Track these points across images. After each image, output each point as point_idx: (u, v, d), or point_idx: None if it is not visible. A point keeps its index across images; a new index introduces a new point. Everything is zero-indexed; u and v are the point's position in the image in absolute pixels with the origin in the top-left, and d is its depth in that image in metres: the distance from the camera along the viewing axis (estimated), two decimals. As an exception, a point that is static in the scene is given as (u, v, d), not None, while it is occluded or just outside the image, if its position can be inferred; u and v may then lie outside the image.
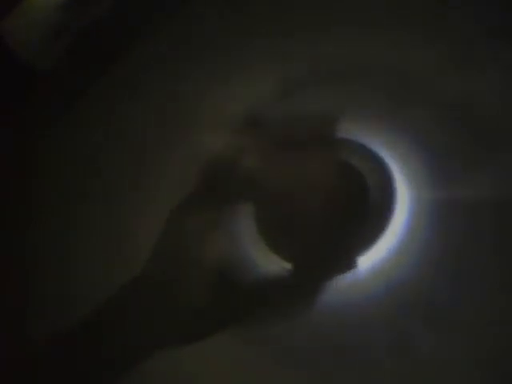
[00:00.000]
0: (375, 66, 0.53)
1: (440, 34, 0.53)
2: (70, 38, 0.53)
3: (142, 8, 0.55)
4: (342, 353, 0.52)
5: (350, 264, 0.51)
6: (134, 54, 0.54)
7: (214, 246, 0.50)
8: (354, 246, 0.52)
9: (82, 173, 0.54)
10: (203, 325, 0.51)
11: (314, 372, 0.52)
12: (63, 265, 0.53)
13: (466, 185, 0.52)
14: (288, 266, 0.52)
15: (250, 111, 0.53)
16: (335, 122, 0.52)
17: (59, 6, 0.51)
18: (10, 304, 0.52)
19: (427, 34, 0.53)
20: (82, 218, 0.54)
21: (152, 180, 0.54)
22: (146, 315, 0.50)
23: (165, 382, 0.52)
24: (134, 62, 0.55)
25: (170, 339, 0.50)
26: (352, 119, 0.53)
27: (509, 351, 0.50)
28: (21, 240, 0.54)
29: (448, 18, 0.53)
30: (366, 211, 0.52)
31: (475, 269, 0.52)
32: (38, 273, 0.53)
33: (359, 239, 0.52)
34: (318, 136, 0.52)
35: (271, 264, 0.52)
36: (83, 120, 0.55)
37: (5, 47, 0.51)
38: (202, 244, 0.50)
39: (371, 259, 0.52)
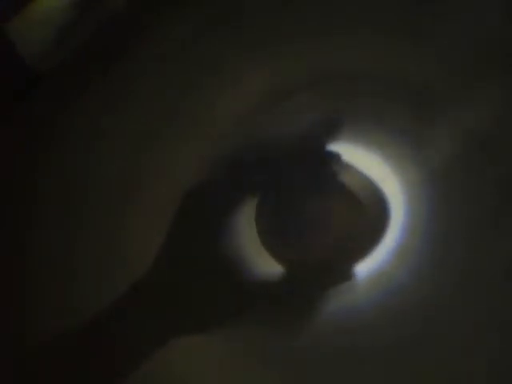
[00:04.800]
0: (375, 72, 0.53)
1: (440, 43, 0.53)
2: (73, 40, 0.53)
3: (142, 8, 0.55)
4: (342, 354, 0.52)
5: (347, 274, 0.51)
6: (133, 54, 0.54)
7: (214, 247, 0.51)
8: (352, 253, 0.52)
9: (82, 173, 0.54)
10: (202, 325, 0.51)
11: (311, 372, 0.52)
12: (63, 265, 0.53)
13: (464, 187, 0.52)
14: (288, 271, 0.52)
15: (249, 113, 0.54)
16: (333, 132, 0.52)
17: (64, 9, 0.52)
18: (10, 304, 0.53)
19: (427, 43, 0.53)
20: (82, 218, 0.54)
21: (152, 180, 0.54)
22: (145, 315, 0.50)
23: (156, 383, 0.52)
24: (133, 63, 0.55)
25: (168, 339, 0.50)
26: (350, 125, 0.53)
27: (509, 351, 0.50)
28: (21, 240, 0.54)
29: (448, 29, 0.53)
30: (362, 223, 0.53)
31: (475, 269, 0.52)
32: (38, 273, 0.53)
33: (356, 247, 0.52)
34: (315, 148, 0.52)
35: (270, 269, 0.52)
36: (83, 120, 0.55)
37: (8, 48, 0.51)
38: (202, 245, 0.51)
39: (371, 262, 0.52)
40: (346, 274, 0.51)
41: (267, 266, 0.52)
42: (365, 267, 0.52)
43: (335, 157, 0.53)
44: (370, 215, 0.52)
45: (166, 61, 0.54)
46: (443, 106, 0.53)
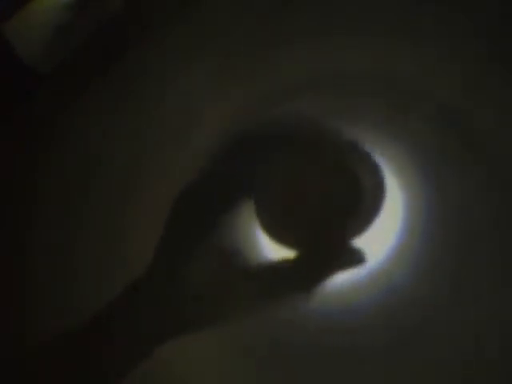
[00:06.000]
0: (375, 72, 0.53)
1: (440, 43, 0.53)
2: (73, 40, 0.53)
3: (142, 9, 0.55)
4: (341, 354, 0.52)
5: (356, 256, 0.51)
6: (133, 54, 0.54)
7: (215, 240, 0.50)
8: (350, 233, 0.52)
9: (82, 173, 0.54)
10: (202, 325, 0.51)
11: (311, 373, 0.52)
12: (63, 265, 0.54)
13: (464, 187, 0.52)
14: (290, 255, 0.52)
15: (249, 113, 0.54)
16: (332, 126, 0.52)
17: (64, 9, 0.52)
18: (10, 304, 0.53)
19: (427, 43, 0.53)
20: (81, 218, 0.54)
21: (152, 180, 0.54)
22: (145, 315, 0.50)
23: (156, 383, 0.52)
24: (133, 63, 0.55)
25: (168, 339, 0.50)
26: (350, 122, 0.53)
27: (508, 351, 0.50)
28: (21, 240, 0.54)
29: (448, 31, 0.53)
30: (359, 204, 0.52)
31: (473, 269, 0.52)
32: (38, 273, 0.53)
33: (354, 227, 0.52)
34: (316, 137, 0.52)
35: (273, 254, 0.52)
36: (83, 120, 0.55)
37: (7, 49, 0.51)
38: (202, 239, 0.50)
39: (371, 260, 0.52)
40: (357, 257, 0.51)
41: (266, 260, 0.52)
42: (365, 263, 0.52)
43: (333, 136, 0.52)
44: (366, 190, 0.52)
45: (166, 61, 0.54)
46: (443, 106, 0.53)
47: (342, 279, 0.52)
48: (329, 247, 0.51)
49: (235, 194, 0.51)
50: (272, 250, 0.52)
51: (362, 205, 0.52)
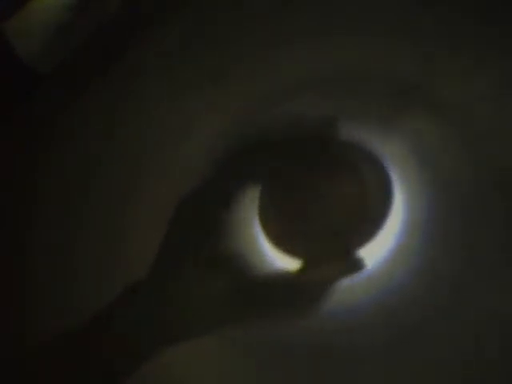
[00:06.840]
0: (375, 72, 0.53)
1: (440, 43, 0.53)
2: (73, 40, 0.53)
3: (142, 9, 0.55)
4: (341, 353, 0.52)
5: (356, 263, 0.51)
6: (133, 54, 0.54)
7: (217, 244, 0.50)
8: (355, 241, 0.52)
9: (82, 173, 0.54)
10: (204, 325, 0.51)
11: (311, 373, 0.52)
12: (63, 265, 0.54)
13: (464, 187, 0.52)
14: (293, 263, 0.52)
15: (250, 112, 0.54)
16: (335, 125, 0.52)
17: (64, 9, 0.51)
18: (10, 304, 0.53)
19: (427, 43, 0.53)
20: (81, 218, 0.54)
21: (152, 180, 0.54)
22: (145, 315, 0.50)
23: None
24: (133, 63, 0.55)
25: (168, 340, 0.50)
26: (351, 122, 0.53)
27: (508, 351, 0.50)
28: (21, 240, 0.54)
29: (448, 31, 0.53)
30: (365, 208, 0.52)
31: (473, 268, 0.52)
32: (38, 273, 0.53)
33: (359, 234, 0.52)
34: (317, 137, 0.52)
35: (270, 268, 0.52)
36: (83, 120, 0.55)
37: (7, 48, 0.51)
38: (204, 243, 0.50)
39: (372, 260, 0.52)
40: (358, 263, 0.51)
41: (268, 265, 0.52)
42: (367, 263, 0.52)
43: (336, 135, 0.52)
44: (372, 194, 0.52)
45: (166, 61, 0.54)
46: (443, 106, 0.53)
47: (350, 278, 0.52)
48: (333, 255, 0.52)
49: (237, 198, 0.51)
50: (275, 257, 0.52)
51: (369, 211, 0.52)
